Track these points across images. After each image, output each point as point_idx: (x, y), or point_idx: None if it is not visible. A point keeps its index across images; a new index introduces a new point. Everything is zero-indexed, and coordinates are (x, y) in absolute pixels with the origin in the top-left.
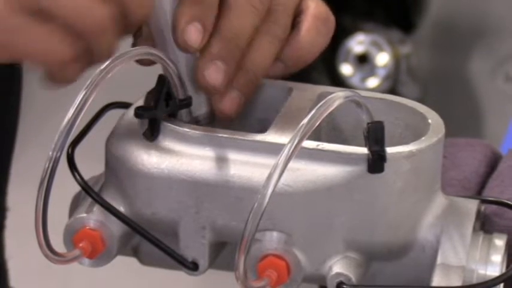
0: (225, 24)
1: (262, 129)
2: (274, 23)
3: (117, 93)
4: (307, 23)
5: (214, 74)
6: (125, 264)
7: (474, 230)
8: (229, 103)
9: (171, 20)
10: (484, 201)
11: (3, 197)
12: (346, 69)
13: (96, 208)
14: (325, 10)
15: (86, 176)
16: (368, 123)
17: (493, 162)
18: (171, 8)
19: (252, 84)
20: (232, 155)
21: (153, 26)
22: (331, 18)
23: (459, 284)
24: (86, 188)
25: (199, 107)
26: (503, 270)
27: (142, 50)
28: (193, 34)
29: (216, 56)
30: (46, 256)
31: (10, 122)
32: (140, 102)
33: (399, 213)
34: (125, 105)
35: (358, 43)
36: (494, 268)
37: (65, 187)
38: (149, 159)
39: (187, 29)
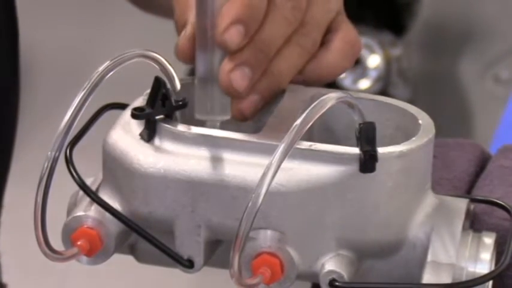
0: (257, 32)
1: (257, 130)
2: (305, 36)
3: (115, 94)
4: (335, 44)
5: (239, 79)
6: (122, 262)
7: (464, 228)
8: (248, 105)
9: (216, 16)
10: (473, 200)
11: (2, 194)
12: None
13: (94, 207)
14: (354, 34)
15: (84, 175)
16: (360, 124)
17: (483, 162)
18: (216, 6)
19: (273, 91)
20: (227, 155)
21: (198, 19)
22: (358, 44)
23: (449, 281)
24: (83, 187)
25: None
26: (492, 268)
27: (139, 52)
28: (234, 35)
29: (245, 62)
30: (45, 254)
31: (10, 120)
32: (137, 103)
33: (390, 212)
34: (122, 106)
35: None
36: (483, 266)
37: (63, 186)
38: (146, 159)
39: (230, 28)
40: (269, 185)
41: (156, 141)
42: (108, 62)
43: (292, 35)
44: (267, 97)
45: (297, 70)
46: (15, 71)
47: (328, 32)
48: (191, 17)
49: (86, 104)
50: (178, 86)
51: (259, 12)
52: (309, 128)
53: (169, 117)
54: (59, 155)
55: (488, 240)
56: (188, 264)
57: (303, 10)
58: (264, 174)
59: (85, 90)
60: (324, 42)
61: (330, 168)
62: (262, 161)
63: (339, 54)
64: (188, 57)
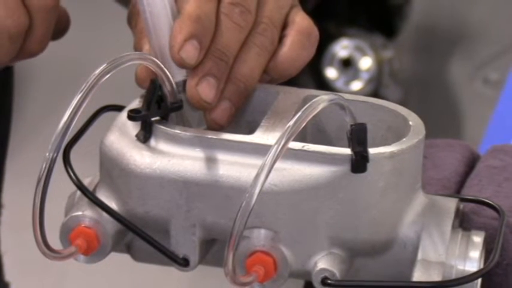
0: (212, 43)
1: (250, 131)
2: (261, 35)
3: (112, 97)
4: (291, 38)
5: (207, 90)
6: (119, 261)
7: (453, 227)
8: (220, 113)
9: (169, 36)
10: (462, 200)
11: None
12: (331, 73)
13: (91, 207)
14: (309, 24)
15: (82, 176)
16: (351, 125)
17: (472, 162)
18: (169, 25)
19: (242, 95)
20: (222, 156)
21: (153, 42)
22: (315, 32)
23: (439, 279)
24: (81, 187)
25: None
26: (481, 266)
27: (137, 55)
28: (190, 51)
29: (208, 73)
30: (43, 253)
31: (4, 121)
32: (133, 105)
33: (381, 211)
34: (119, 108)
35: (342, 48)
36: (472, 264)
37: (61, 186)
38: (142, 160)
39: (185, 45)
40: (262, 185)
41: (152, 142)
42: (105, 64)
43: (248, 37)
44: (236, 102)
45: (260, 70)
46: (7, 71)
47: (285, 27)
48: (146, 44)
49: (83, 106)
50: (174, 88)
51: (209, 24)
52: (302, 129)
53: (165, 119)
54: (56, 156)
55: (477, 238)
56: (183, 263)
57: (253, 12)
58: (258, 175)
59: (82, 92)
60: (281, 37)
61: (322, 169)
62: (256, 161)
63: (297, 47)
64: (147, 84)
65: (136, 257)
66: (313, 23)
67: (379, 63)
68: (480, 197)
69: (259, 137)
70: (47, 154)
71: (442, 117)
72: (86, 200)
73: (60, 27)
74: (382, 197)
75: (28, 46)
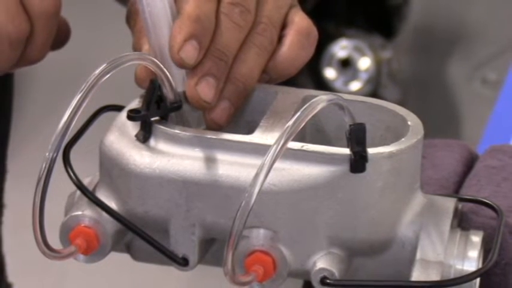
0: (212, 42)
1: (250, 131)
2: (260, 35)
3: (112, 97)
4: (290, 37)
5: (206, 89)
6: (119, 261)
7: (452, 227)
8: (219, 113)
9: (168, 36)
10: (461, 200)
11: (1, 194)
12: (330, 73)
13: (91, 206)
14: (308, 24)
15: (81, 175)
16: (350, 125)
17: (470, 162)
18: (168, 25)
19: (241, 95)
20: (221, 156)
21: (153, 42)
22: (314, 32)
23: (437, 278)
24: (81, 187)
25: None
26: (480, 266)
27: (137, 55)
28: (190, 51)
29: (207, 72)
30: (43, 253)
31: (4, 121)
32: (133, 105)
33: (380, 211)
34: (118, 108)
35: (341, 48)
36: (471, 263)
37: (61, 186)
38: (141, 160)
39: (184, 46)
40: (262, 184)
41: (152, 142)
42: (104, 64)
43: (248, 37)
44: (235, 102)
45: (260, 70)
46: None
47: (284, 27)
48: (145, 44)
49: (83, 106)
50: (173, 88)
51: (209, 24)
52: (301, 129)
53: (164, 119)
54: (56, 155)
55: (476, 238)
56: (183, 262)
57: (252, 12)
58: (257, 174)
59: (82, 92)
60: (280, 37)
61: (321, 169)
62: (255, 161)
63: (296, 47)
64: (146, 84)
65: (136, 256)
66: (312, 23)
67: (378, 64)
68: (479, 197)
69: (258, 137)
70: (47, 154)
71: (440, 117)
72: (85, 199)
73: (60, 37)
74: (381, 197)
75: (28, 53)
